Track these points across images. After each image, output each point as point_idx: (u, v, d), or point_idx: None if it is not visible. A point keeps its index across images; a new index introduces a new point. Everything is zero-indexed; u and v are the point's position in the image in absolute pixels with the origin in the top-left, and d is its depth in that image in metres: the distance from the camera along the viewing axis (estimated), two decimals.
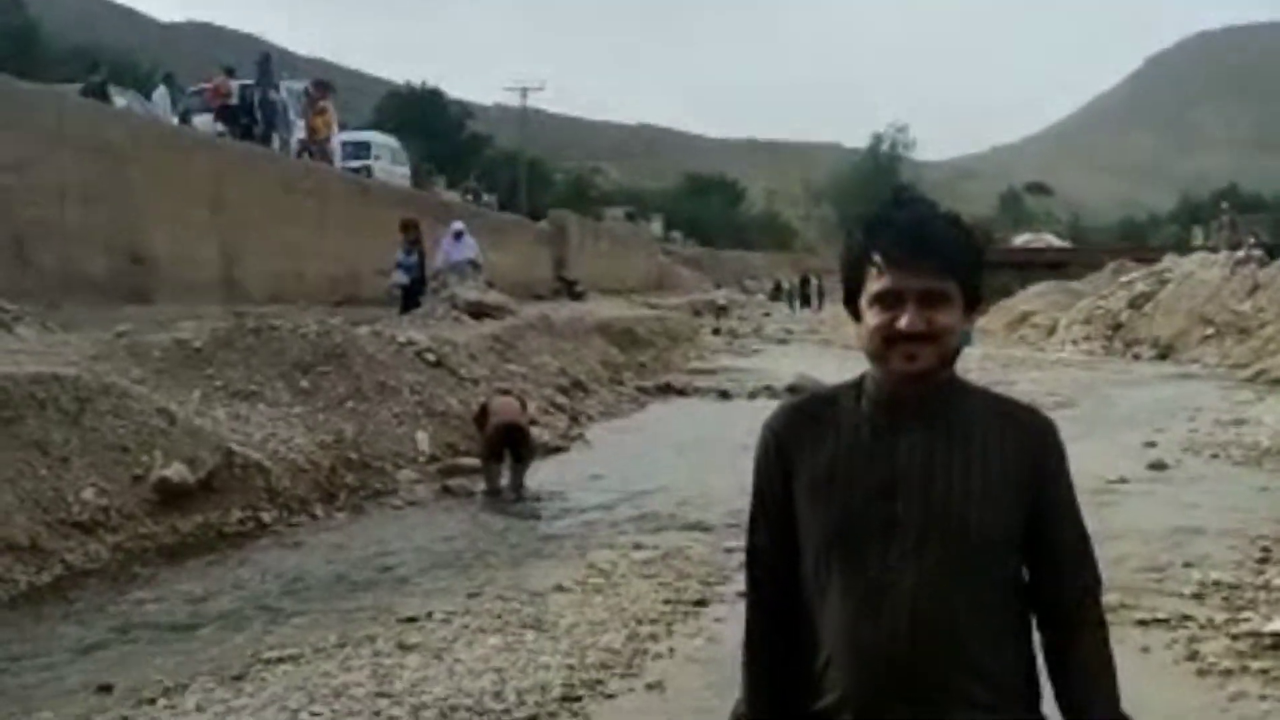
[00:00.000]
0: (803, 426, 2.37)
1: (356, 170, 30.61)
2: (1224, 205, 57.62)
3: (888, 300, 2.23)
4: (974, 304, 2.32)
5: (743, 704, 2.44)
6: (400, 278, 20.66)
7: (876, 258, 2.25)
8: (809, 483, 2.32)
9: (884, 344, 2.23)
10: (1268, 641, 6.97)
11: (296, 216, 22.68)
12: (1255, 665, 6.61)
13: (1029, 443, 2.30)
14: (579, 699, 6.22)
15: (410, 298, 20.64)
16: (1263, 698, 6.17)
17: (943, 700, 2.20)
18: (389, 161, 35.29)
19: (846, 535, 2.25)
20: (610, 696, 6.32)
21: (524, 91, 76.51)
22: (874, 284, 2.25)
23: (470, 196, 47.61)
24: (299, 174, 24.28)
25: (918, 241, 2.23)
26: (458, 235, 23.03)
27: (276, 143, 26.14)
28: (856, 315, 2.32)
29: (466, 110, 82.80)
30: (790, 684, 2.35)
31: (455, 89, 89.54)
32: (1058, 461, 2.34)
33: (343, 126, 31.24)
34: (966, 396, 2.35)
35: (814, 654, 2.31)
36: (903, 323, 2.20)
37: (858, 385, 2.37)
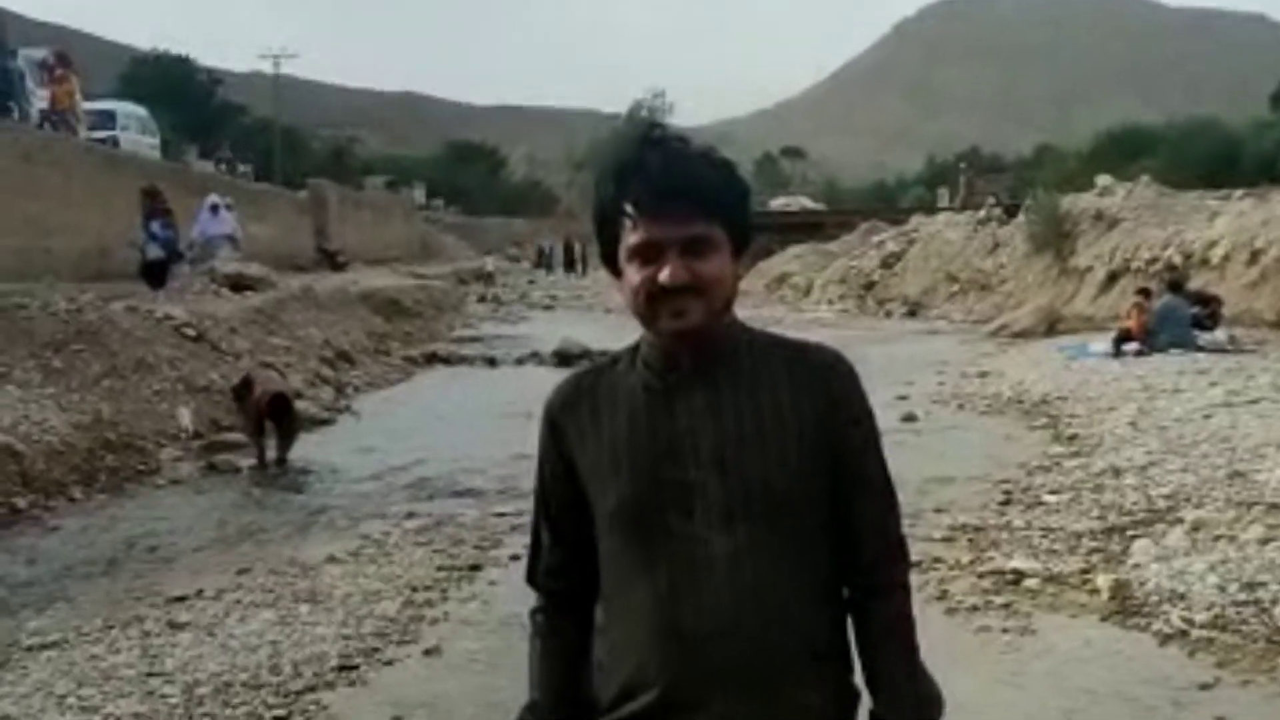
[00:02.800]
0: (579, 404, 2.16)
1: (102, 141, 29.44)
2: (961, 166, 60.04)
3: (647, 253, 2.01)
4: (742, 247, 2.10)
5: (535, 695, 2.24)
6: (155, 251, 19.83)
7: (629, 208, 2.03)
8: (593, 460, 2.12)
9: (649, 302, 2.02)
10: (1009, 578, 7.47)
11: (39, 189, 21.71)
12: (998, 600, 7.07)
13: (819, 384, 2.10)
14: (356, 667, 6.25)
15: (161, 272, 19.76)
16: (1004, 630, 6.61)
17: (780, 681, 2.02)
18: (137, 131, 34.05)
19: (642, 512, 2.05)
20: (388, 663, 6.37)
21: (276, 59, 74.74)
22: (630, 237, 2.03)
23: (224, 166, 46.30)
24: (40, 145, 23.23)
25: (672, 185, 2.01)
26: (214, 209, 22.40)
27: (16, 114, 24.92)
28: (618, 273, 2.10)
29: (217, 78, 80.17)
30: (588, 690, 2.17)
31: (206, 56, 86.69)
32: (852, 400, 2.14)
33: (86, 96, 29.96)
34: (749, 345, 2.13)
35: (619, 652, 2.10)
36: (664, 276, 1.99)
37: (634, 350, 2.17)
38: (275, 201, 40.35)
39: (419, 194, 79.54)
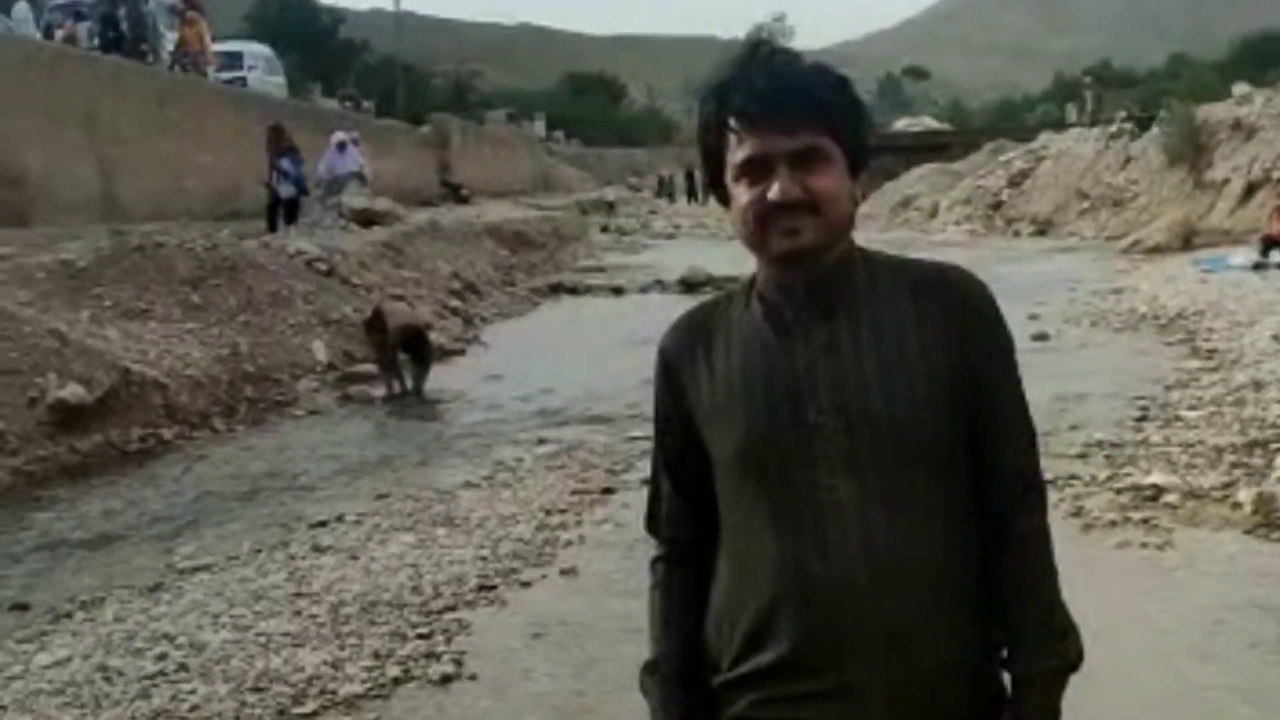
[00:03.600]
0: (693, 343, 2.01)
1: (230, 82, 29.92)
2: (1087, 80, 58.46)
3: (755, 170, 1.85)
4: (860, 163, 1.92)
5: (656, 653, 2.08)
6: (288, 189, 20.14)
7: (733, 122, 1.86)
8: (708, 405, 1.97)
9: (759, 223, 1.86)
10: (1147, 494, 7.35)
11: (173, 131, 22.16)
12: (1136, 516, 6.97)
13: (954, 315, 1.91)
14: (495, 587, 6.39)
15: (292, 208, 20.13)
16: (1143, 545, 6.52)
17: (917, 634, 1.85)
18: (264, 72, 34.46)
19: (761, 458, 1.90)
20: (526, 584, 6.49)
21: None
22: (735, 154, 1.87)
23: (349, 104, 46.78)
24: (173, 87, 23.69)
25: (779, 93, 1.84)
26: (341, 146, 22.65)
27: (150, 57, 25.44)
28: (725, 199, 1.94)
29: (339, 16, 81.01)
30: (710, 638, 2.01)
31: None
32: (989, 327, 1.94)
33: (213, 38, 30.44)
34: (872, 271, 1.95)
35: (742, 603, 1.94)
36: (774, 192, 1.82)
37: (749, 285, 2.01)
38: (399, 137, 40.70)
39: (539, 127, 79.64)
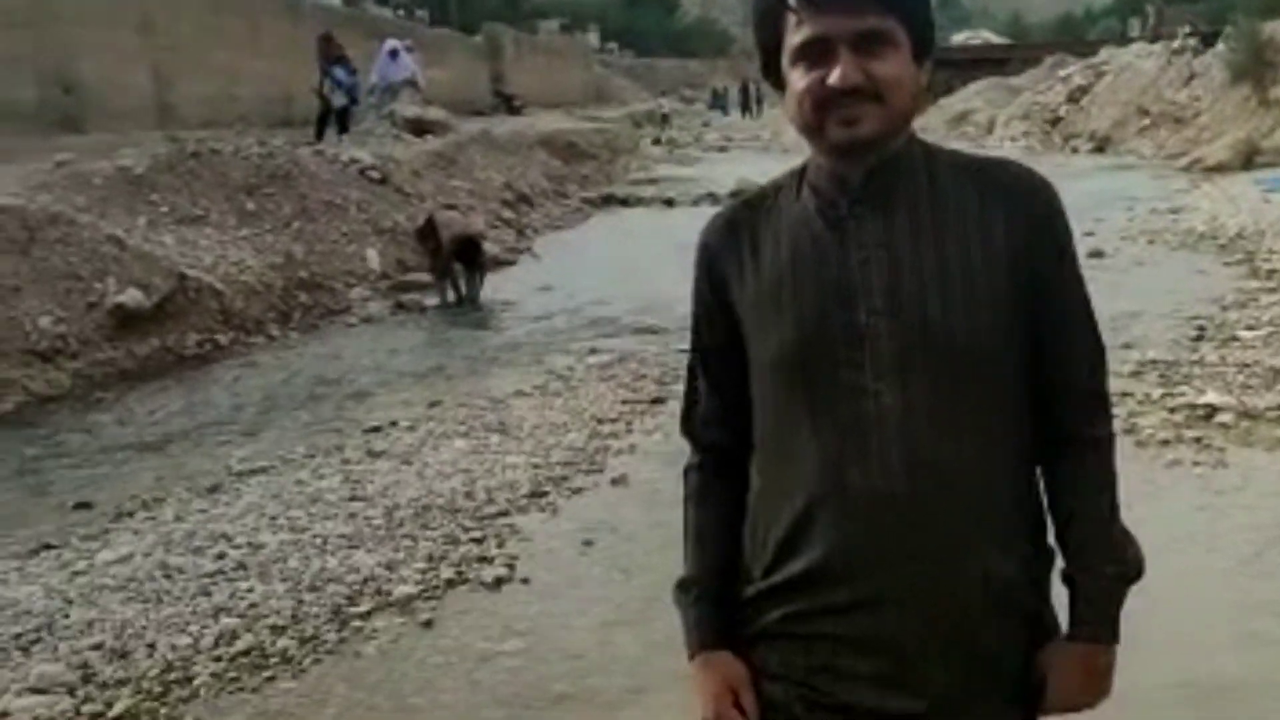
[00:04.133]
0: (738, 234, 1.90)
1: None
2: None
3: (814, 53, 1.73)
4: (925, 49, 1.81)
5: (690, 570, 2.01)
6: (340, 98, 20.11)
7: (793, 1, 1.74)
8: (753, 299, 1.86)
9: (816, 110, 1.75)
10: (1201, 413, 7.31)
11: (227, 38, 22.23)
12: (1189, 434, 6.94)
13: (1019, 215, 1.80)
14: (546, 494, 6.47)
15: (344, 116, 20.12)
16: (1196, 464, 6.50)
17: (956, 550, 1.77)
18: None
19: (806, 358, 1.80)
20: (577, 491, 6.56)
21: None
22: (794, 36, 1.75)
23: (401, 12, 46.60)
24: None
25: None
26: (393, 54, 22.55)
27: None
28: (780, 85, 1.83)
29: None
30: (745, 548, 1.94)
31: None
32: (1057, 234, 1.84)
33: None
34: (933, 165, 1.84)
35: (777, 509, 1.86)
36: (834, 77, 1.71)
37: (800, 174, 1.90)
38: (452, 46, 40.57)
39: (593, 37, 79.09)
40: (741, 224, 1.91)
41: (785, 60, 1.78)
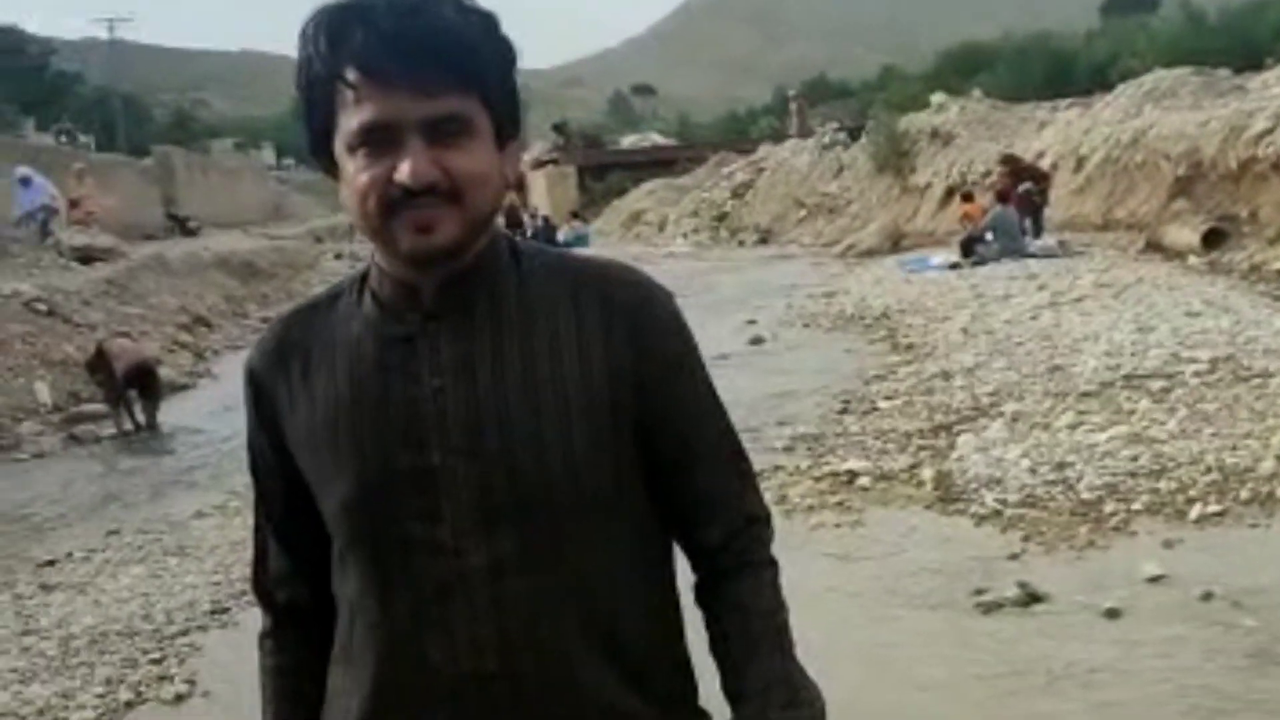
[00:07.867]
0: (289, 357, 1.58)
1: None
2: (790, 94, 60.68)
3: (377, 139, 1.41)
4: (510, 131, 1.51)
5: None
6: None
7: (350, 73, 1.41)
8: (305, 440, 1.56)
9: (382, 212, 1.43)
10: (844, 479, 7.98)
11: None
12: (833, 500, 7.58)
13: (622, 328, 1.53)
14: (228, 610, 6.54)
15: None
16: (837, 525, 7.12)
17: None
18: None
19: (372, 512, 1.51)
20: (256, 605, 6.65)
21: (111, 23, 73.09)
22: (352, 117, 1.42)
23: (64, 138, 45.26)
24: None
25: (413, 35, 1.39)
26: (24, 181, 21.97)
27: None
28: (332, 169, 1.50)
29: (50, 48, 78.03)
30: None
31: (35, 24, 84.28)
32: (669, 348, 1.58)
33: None
34: (524, 271, 1.55)
35: (350, 693, 1.58)
36: (403, 173, 1.40)
37: (361, 280, 1.59)
38: (120, 171, 39.55)
39: (269, 154, 78.41)
40: (293, 343, 1.59)
41: (340, 143, 1.46)
